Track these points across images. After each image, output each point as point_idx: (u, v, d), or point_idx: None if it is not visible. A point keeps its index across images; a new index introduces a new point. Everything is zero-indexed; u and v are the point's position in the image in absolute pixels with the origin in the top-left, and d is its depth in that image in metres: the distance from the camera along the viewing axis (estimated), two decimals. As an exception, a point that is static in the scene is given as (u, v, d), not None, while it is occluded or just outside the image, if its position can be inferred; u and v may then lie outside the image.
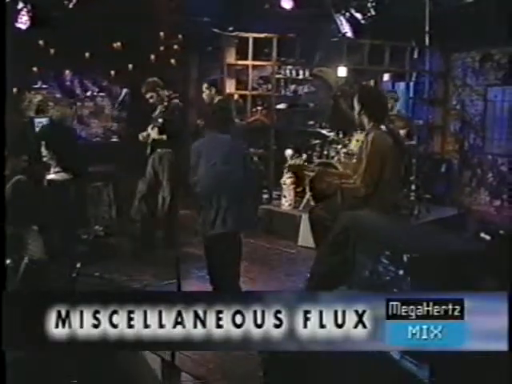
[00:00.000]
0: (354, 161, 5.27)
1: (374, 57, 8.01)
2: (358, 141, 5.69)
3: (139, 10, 6.64)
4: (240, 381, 3.20)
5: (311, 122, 8.48)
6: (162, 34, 7.00)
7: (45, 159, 4.92)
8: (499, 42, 7.11)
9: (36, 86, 7.18)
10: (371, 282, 3.06)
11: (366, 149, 3.79)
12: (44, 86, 7.28)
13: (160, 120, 5.54)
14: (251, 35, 7.21)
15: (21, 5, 6.21)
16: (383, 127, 3.93)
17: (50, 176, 4.99)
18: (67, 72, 7.46)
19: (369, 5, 7.87)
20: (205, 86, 5.91)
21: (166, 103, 5.56)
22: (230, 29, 7.18)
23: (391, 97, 6.79)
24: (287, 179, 6.59)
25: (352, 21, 7.97)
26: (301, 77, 8.75)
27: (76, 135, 6.28)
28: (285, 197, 6.69)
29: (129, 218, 6.08)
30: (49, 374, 3.07)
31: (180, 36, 7.11)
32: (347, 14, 7.90)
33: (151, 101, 5.61)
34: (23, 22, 6.30)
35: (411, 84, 8.68)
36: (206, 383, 3.27)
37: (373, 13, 7.85)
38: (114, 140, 7.74)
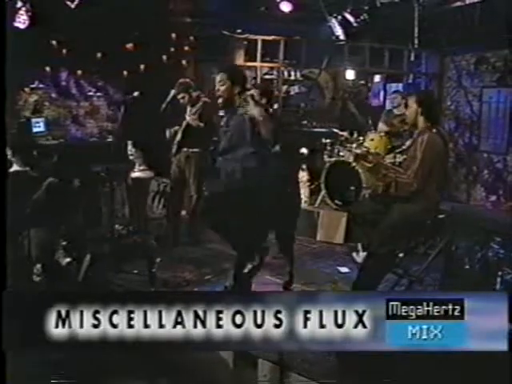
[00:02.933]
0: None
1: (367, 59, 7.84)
2: (372, 140, 5.52)
3: (152, 11, 6.45)
4: (313, 364, 3.15)
5: (304, 122, 8.31)
6: (173, 35, 6.78)
7: (131, 158, 4.76)
8: (485, 45, 6.95)
9: (33, 86, 6.95)
10: (482, 266, 3.21)
11: (420, 148, 3.81)
12: (41, 86, 7.05)
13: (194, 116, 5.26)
14: (260, 37, 7.01)
15: (19, 4, 5.94)
16: (434, 130, 3.91)
17: (135, 174, 4.83)
18: (64, 72, 7.26)
19: (363, 8, 7.69)
20: None
21: (201, 103, 5.29)
22: (239, 31, 6.98)
23: (399, 94, 6.58)
24: (303, 177, 6.43)
25: (344, 24, 7.77)
26: (292, 78, 8.53)
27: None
28: (300, 194, 6.52)
29: (144, 216, 5.89)
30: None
31: (191, 38, 6.88)
32: (339, 16, 7.69)
33: (182, 101, 5.34)
34: (21, 21, 6.09)
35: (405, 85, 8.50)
36: (283, 368, 3.21)
37: (366, 16, 7.65)
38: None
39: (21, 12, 6.12)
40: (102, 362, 3.16)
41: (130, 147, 4.70)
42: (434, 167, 3.82)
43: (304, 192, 6.45)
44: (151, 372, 3.43)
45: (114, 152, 4.53)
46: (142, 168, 4.59)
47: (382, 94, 8.95)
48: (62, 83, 7.37)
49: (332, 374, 3.17)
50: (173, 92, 5.04)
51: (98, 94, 7.67)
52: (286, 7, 7.69)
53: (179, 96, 5.33)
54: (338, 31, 7.90)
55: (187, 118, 5.33)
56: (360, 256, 5.19)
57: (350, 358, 3.16)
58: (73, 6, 6.37)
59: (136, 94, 4.44)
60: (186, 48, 6.88)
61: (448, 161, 4.27)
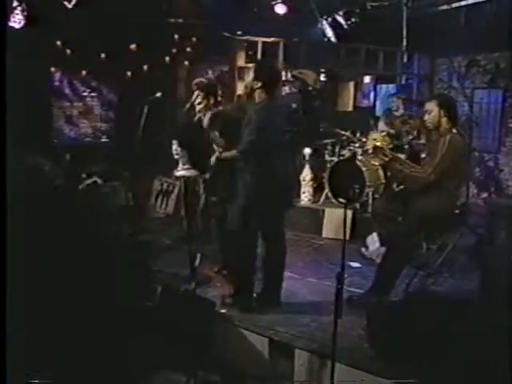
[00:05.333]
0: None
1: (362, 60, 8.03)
2: (375, 139, 5.67)
3: (155, 13, 6.49)
4: (346, 352, 3.25)
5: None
6: (176, 36, 6.82)
7: (176, 157, 4.76)
8: (474, 48, 7.20)
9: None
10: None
11: (442, 147, 3.96)
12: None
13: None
14: (260, 39, 7.12)
15: (15, 3, 5.89)
16: (455, 130, 4.08)
17: (180, 172, 4.82)
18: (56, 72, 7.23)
19: (354, 11, 7.87)
20: None
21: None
22: (239, 33, 7.06)
23: (399, 97, 6.78)
24: (307, 176, 6.58)
25: (335, 26, 7.95)
26: (283, 78, 8.68)
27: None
28: (304, 193, 6.64)
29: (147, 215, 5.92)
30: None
31: (194, 39, 6.93)
32: (329, 18, 7.86)
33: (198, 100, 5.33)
34: (17, 20, 6.04)
35: (394, 86, 8.73)
36: (319, 356, 3.34)
37: (356, 19, 7.84)
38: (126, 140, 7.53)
39: (16, 12, 6.10)
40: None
41: (175, 146, 4.73)
42: (455, 165, 3.98)
43: (308, 190, 6.61)
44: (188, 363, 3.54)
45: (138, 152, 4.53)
46: (186, 167, 4.63)
47: (372, 94, 9.17)
48: (56, 83, 7.33)
49: (368, 360, 3.30)
50: (196, 93, 5.08)
51: (92, 94, 7.67)
52: (280, 9, 7.85)
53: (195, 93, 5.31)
54: (329, 33, 8.10)
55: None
56: (369, 251, 5.36)
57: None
58: (70, 5, 6.36)
59: (158, 94, 4.47)
60: (188, 49, 6.92)
61: (468, 159, 4.48)
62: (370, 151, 4.12)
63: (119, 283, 3.55)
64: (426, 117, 4.15)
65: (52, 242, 3.89)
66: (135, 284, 3.67)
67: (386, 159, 4.01)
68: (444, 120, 4.06)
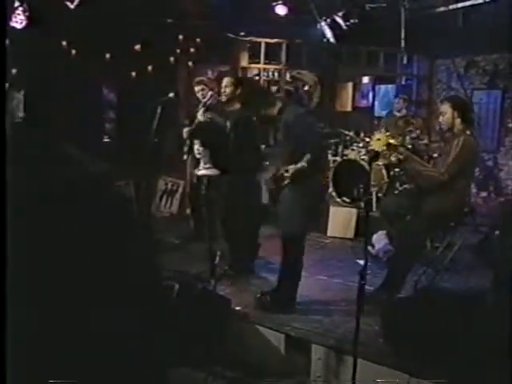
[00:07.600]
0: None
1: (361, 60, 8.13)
2: (379, 139, 5.77)
3: (159, 13, 6.53)
4: (364, 346, 3.28)
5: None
6: (180, 37, 6.86)
7: (198, 156, 4.80)
8: (472, 49, 7.31)
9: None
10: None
11: (456, 148, 4.05)
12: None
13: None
14: (263, 40, 7.19)
15: (16, 3, 5.90)
16: (468, 132, 4.16)
17: (201, 172, 4.87)
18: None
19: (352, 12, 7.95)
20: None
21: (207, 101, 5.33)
22: (242, 33, 7.13)
23: (401, 98, 6.87)
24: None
25: (334, 26, 8.02)
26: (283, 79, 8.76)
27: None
28: (308, 191, 6.71)
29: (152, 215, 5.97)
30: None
31: (198, 40, 6.98)
32: (328, 19, 7.94)
33: (199, 95, 5.35)
34: (18, 21, 6.07)
35: (393, 86, 8.84)
36: (337, 351, 3.38)
37: (356, 20, 7.92)
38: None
39: (18, 12, 6.12)
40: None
41: (197, 146, 4.78)
42: (466, 167, 4.09)
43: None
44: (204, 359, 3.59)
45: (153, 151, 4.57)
46: (207, 166, 4.69)
47: (370, 95, 9.27)
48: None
49: (385, 354, 3.37)
50: (210, 94, 5.13)
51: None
52: (281, 10, 7.93)
53: (196, 89, 5.34)
54: (328, 34, 8.20)
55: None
56: (375, 249, 5.45)
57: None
58: (72, 6, 6.38)
59: (171, 94, 4.52)
60: (192, 50, 6.98)
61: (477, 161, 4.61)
62: (385, 151, 4.16)
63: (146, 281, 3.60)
64: (440, 118, 4.22)
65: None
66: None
67: (400, 157, 4.08)
68: (458, 121, 4.14)
